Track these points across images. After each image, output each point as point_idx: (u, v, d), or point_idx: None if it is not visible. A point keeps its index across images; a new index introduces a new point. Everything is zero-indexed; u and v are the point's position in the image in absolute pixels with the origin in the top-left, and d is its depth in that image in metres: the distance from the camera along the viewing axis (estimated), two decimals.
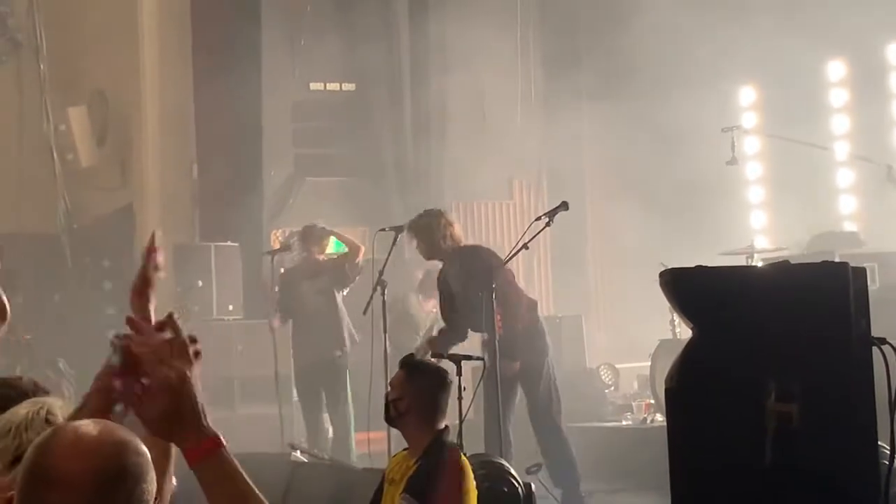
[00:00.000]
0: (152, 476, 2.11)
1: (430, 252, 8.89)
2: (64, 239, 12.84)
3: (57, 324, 12.41)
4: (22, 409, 2.97)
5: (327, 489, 7.73)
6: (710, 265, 4.59)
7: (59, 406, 3.01)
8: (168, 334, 2.29)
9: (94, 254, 12.99)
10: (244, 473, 2.25)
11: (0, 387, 3.39)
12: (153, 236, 2.66)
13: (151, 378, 2.22)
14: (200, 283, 11.62)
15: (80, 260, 12.98)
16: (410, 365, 5.75)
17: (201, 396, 2.25)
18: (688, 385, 4.38)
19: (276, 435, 10.03)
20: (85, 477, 2.02)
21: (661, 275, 4.58)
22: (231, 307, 11.92)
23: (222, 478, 2.22)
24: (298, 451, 8.22)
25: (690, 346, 4.45)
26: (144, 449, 2.13)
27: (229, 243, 12.25)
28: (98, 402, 2.31)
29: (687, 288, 4.51)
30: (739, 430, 4.26)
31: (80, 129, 12.98)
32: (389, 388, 5.68)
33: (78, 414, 2.35)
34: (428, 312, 11.71)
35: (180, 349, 2.25)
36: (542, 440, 8.55)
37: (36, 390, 3.46)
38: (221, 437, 2.26)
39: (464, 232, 14.57)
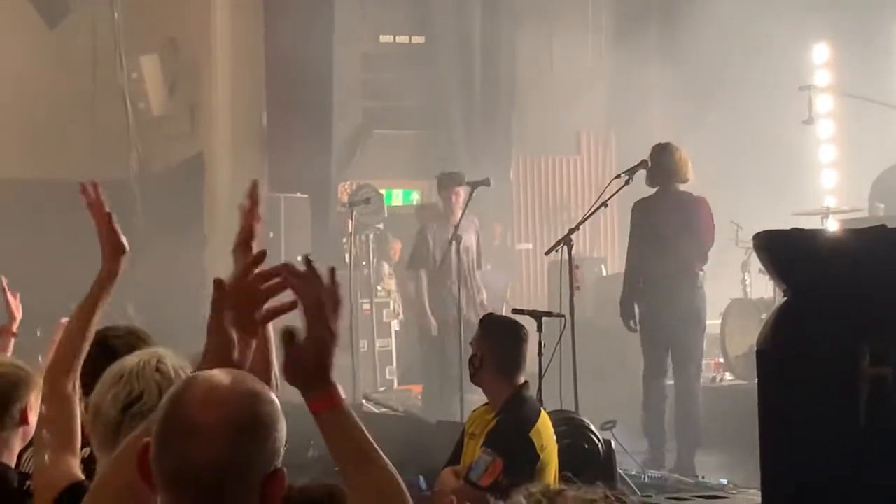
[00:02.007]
0: (283, 424, 2.16)
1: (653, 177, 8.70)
2: (135, 186, 12.97)
3: (125, 269, 12.52)
4: (133, 358, 3.04)
5: (402, 439, 7.79)
6: (803, 227, 4.61)
7: (170, 356, 3.08)
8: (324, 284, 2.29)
9: (163, 201, 13.12)
10: (367, 433, 2.29)
11: (128, 335, 3.47)
12: (255, 187, 2.67)
13: (308, 331, 2.25)
14: (272, 235, 11.69)
15: (150, 207, 13.11)
16: (484, 321, 5.85)
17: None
18: (781, 347, 4.38)
19: (348, 385, 10.11)
20: (219, 426, 2.07)
21: (755, 237, 4.59)
22: (299, 258, 11.92)
23: (345, 428, 2.26)
24: (371, 403, 8.27)
25: (784, 309, 4.46)
26: (275, 398, 2.17)
27: (298, 195, 12.30)
28: (217, 342, 2.35)
29: (782, 251, 4.51)
30: (832, 392, 4.26)
31: (152, 78, 13.07)
32: (470, 346, 5.73)
33: (205, 357, 2.38)
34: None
35: (336, 303, 2.28)
36: None
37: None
38: (342, 392, 2.30)
39: (530, 187, 14.74)
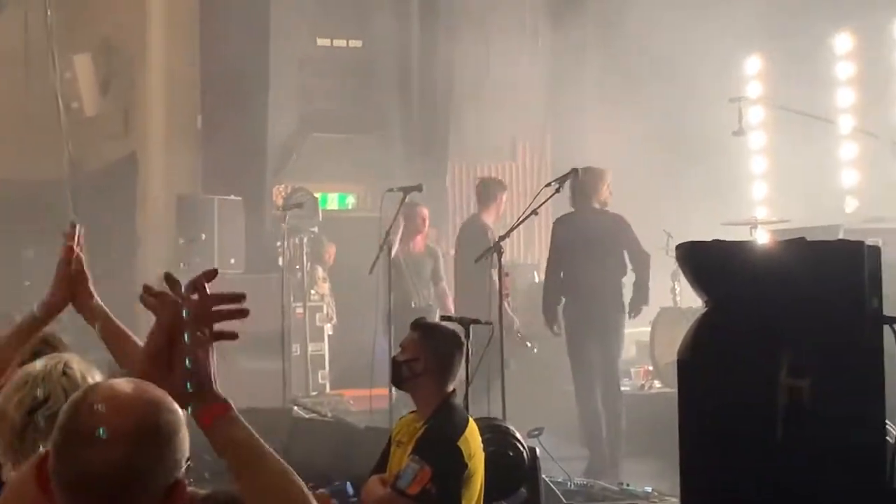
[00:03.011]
0: (185, 433, 2.14)
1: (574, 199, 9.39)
2: (67, 186, 12.84)
3: None
4: (40, 362, 3.01)
5: (329, 446, 7.80)
6: (725, 239, 4.65)
7: (76, 360, 3.05)
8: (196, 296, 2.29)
9: (96, 202, 13.00)
10: (257, 435, 2.28)
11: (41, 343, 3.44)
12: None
13: (177, 347, 2.24)
14: (203, 237, 11.63)
15: (82, 207, 12.99)
16: (426, 326, 5.71)
17: (215, 361, 2.28)
18: (700, 357, 4.43)
19: (277, 390, 10.06)
20: (120, 433, 2.04)
21: (678, 247, 4.64)
22: (233, 261, 11.92)
23: (234, 440, 2.25)
24: (300, 408, 8.25)
25: (704, 320, 4.50)
26: (177, 407, 2.15)
27: (232, 197, 12.24)
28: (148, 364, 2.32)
29: (703, 261, 4.56)
30: (751, 403, 4.32)
31: (85, 78, 12.94)
32: (401, 350, 5.64)
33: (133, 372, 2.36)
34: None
35: (202, 301, 2.26)
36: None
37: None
38: (230, 402, 2.28)
39: (465, 193, 14.77)
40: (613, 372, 9.42)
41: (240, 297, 2.30)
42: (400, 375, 5.54)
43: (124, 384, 2.13)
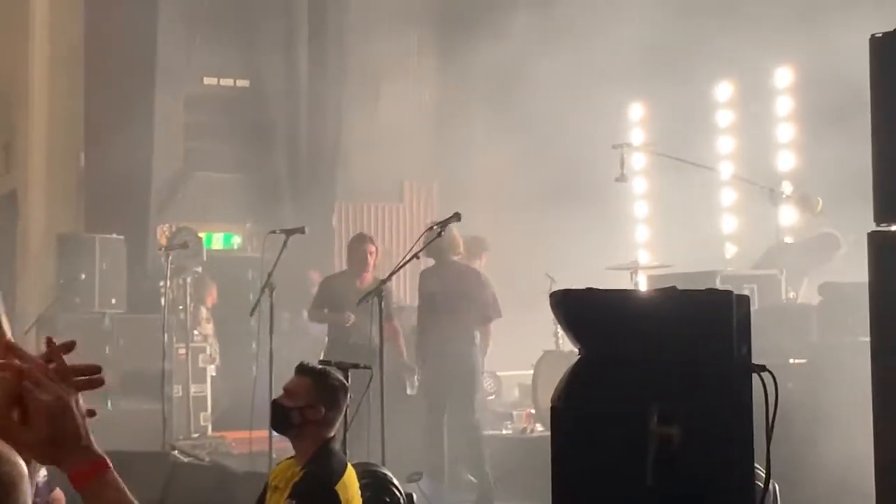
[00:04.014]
0: (25, 487, 2.08)
1: (441, 251, 9.72)
2: None
3: None
4: None
5: (207, 490, 7.70)
6: (599, 287, 4.69)
7: None
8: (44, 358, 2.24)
9: None
10: (130, 495, 2.23)
11: None
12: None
13: (29, 403, 2.19)
14: (83, 276, 11.45)
15: None
16: (319, 372, 5.58)
17: (83, 417, 2.22)
18: (573, 404, 4.47)
19: (157, 432, 9.90)
20: None
21: (552, 296, 4.67)
22: (114, 300, 11.76)
23: (108, 501, 2.20)
24: (178, 451, 8.13)
25: (577, 367, 4.54)
26: (18, 460, 2.09)
27: (114, 236, 12.08)
28: None
29: (575, 309, 4.59)
30: (622, 450, 4.35)
31: None
32: (286, 394, 5.53)
33: None
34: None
35: (59, 372, 2.21)
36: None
37: None
38: (108, 460, 2.23)
39: (353, 234, 14.77)
40: (469, 417, 9.75)
41: (96, 369, 2.26)
42: (288, 421, 5.42)
43: None
